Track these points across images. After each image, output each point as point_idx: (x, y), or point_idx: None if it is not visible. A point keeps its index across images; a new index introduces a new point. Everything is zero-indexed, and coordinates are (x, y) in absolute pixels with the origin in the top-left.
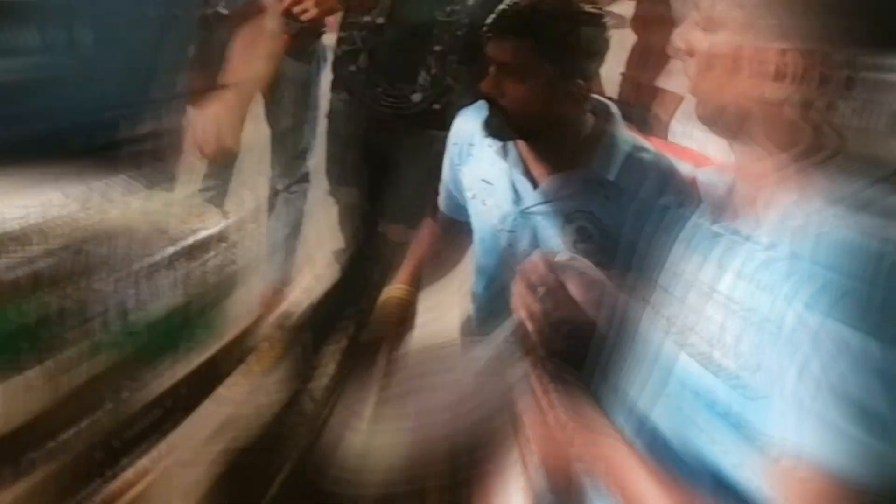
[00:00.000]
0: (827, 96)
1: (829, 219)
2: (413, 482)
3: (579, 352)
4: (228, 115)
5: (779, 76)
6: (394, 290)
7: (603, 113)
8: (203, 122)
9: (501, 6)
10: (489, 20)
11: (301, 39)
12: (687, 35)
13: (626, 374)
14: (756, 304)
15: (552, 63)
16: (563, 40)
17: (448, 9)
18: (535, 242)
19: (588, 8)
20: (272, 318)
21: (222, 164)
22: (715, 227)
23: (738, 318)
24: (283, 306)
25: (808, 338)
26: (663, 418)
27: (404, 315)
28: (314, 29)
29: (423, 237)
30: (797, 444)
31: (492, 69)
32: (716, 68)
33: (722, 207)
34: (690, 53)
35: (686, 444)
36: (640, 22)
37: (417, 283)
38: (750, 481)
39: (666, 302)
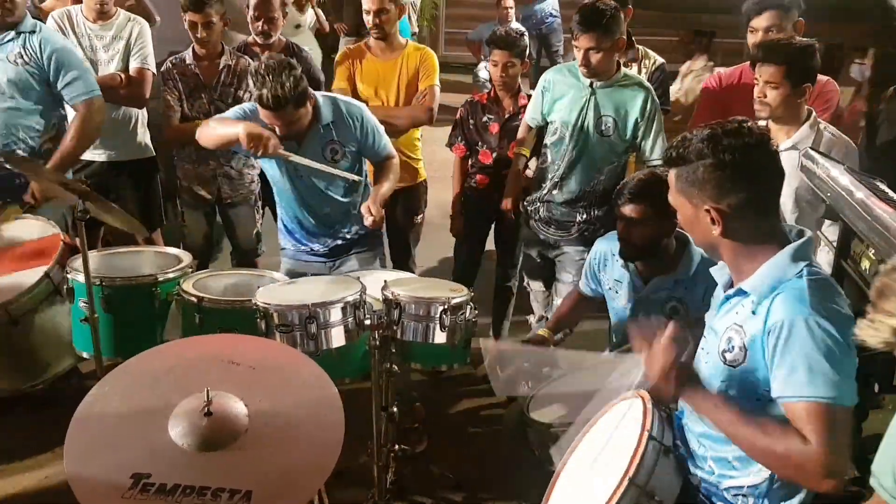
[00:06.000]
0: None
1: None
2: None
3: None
4: None
5: (714, 223)
6: (541, 330)
7: (682, 237)
8: None
9: (631, 184)
10: (625, 193)
11: None
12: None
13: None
14: (747, 325)
15: (659, 213)
16: (665, 203)
17: (592, 184)
18: (648, 315)
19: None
20: None
21: None
22: (726, 293)
23: (738, 335)
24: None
25: (783, 332)
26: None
27: (545, 342)
28: None
29: (566, 302)
30: (789, 388)
31: (624, 222)
32: (686, 227)
33: (728, 283)
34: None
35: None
36: None
37: (555, 329)
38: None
39: (707, 332)
